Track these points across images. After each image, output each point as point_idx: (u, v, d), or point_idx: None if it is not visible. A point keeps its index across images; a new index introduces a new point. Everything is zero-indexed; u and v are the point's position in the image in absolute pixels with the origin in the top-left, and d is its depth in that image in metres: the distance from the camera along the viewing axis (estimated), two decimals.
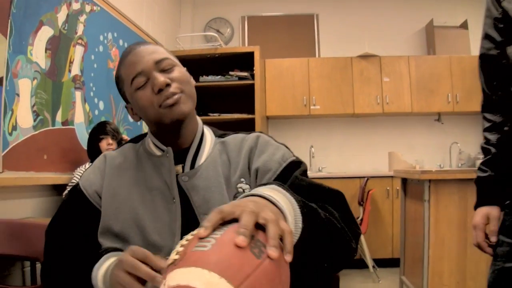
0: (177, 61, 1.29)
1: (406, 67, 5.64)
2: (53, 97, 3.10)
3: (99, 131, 3.28)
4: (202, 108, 5.73)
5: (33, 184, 2.81)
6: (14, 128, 2.69)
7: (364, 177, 5.05)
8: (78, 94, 3.45)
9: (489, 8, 1.61)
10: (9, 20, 2.63)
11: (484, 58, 1.66)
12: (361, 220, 4.72)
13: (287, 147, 1.33)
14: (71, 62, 3.33)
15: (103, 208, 1.24)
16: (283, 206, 0.84)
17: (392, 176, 5.13)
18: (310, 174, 5.61)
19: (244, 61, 5.43)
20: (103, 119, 3.78)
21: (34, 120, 2.89)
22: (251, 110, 5.30)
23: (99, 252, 1.12)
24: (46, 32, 3.00)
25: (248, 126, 5.32)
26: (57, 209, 1.29)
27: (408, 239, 3.60)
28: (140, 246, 1.06)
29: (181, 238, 0.78)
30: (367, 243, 4.88)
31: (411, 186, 3.48)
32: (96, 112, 3.74)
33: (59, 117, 3.18)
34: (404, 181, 3.65)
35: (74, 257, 1.17)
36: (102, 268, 1.06)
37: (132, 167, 1.30)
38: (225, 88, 5.61)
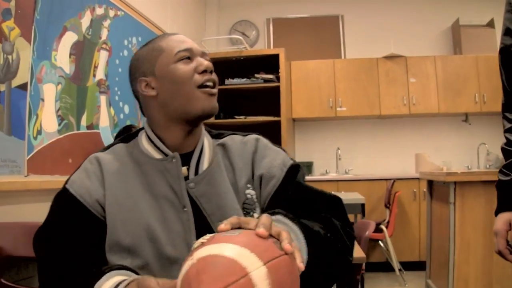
0: None
1: (433, 67, 5.54)
2: (77, 102, 3.14)
3: (124, 134, 3.31)
4: (228, 111, 5.75)
5: (58, 188, 2.85)
6: (39, 132, 2.73)
7: (390, 179, 4.99)
8: (103, 98, 3.49)
9: (510, 2, 1.55)
10: (33, 26, 2.67)
11: (505, 53, 1.58)
12: (388, 222, 4.66)
13: (284, 149, 1.35)
14: (95, 67, 3.37)
15: (108, 221, 1.15)
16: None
17: (419, 178, 5.05)
18: (336, 176, 5.60)
19: (270, 63, 5.42)
20: (128, 122, 3.81)
21: (59, 124, 2.93)
22: (277, 113, 5.29)
23: (100, 269, 1.03)
24: (70, 38, 3.04)
25: (273, 129, 5.30)
26: (48, 216, 1.19)
27: (434, 242, 3.54)
28: (153, 259, 1.09)
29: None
30: (394, 246, 4.81)
31: (437, 188, 3.42)
32: (122, 115, 3.77)
33: (84, 121, 3.21)
34: (430, 183, 3.59)
35: (73, 268, 1.08)
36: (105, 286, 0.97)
37: (132, 172, 1.21)
38: (251, 90, 5.62)
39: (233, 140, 1.32)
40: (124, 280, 0.95)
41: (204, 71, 1.21)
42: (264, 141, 1.34)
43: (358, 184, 5.24)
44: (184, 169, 1.21)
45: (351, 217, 4.02)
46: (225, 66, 5.76)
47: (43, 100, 2.76)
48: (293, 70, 5.83)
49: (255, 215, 1.21)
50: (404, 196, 5.14)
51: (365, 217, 5.13)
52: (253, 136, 1.34)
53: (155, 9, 4.57)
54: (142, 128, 1.32)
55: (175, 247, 1.13)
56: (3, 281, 1.84)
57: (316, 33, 6.25)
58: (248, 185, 1.24)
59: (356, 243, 2.11)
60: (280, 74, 5.32)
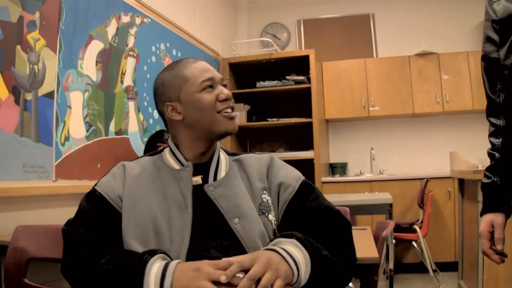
0: None
1: (466, 63, 5.40)
2: (105, 108, 3.22)
3: (156, 139, 3.36)
4: (260, 113, 5.78)
5: (86, 192, 2.93)
6: (67, 138, 2.82)
7: (423, 178, 4.91)
8: (131, 104, 3.57)
9: (487, 10, 1.56)
10: (58, 37, 2.76)
11: (486, 61, 1.61)
12: (421, 222, 4.59)
13: None
14: (123, 74, 3.45)
15: (123, 214, 1.31)
16: (297, 258, 1.13)
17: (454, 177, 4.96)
18: (370, 176, 5.54)
19: (300, 64, 5.42)
20: (158, 128, 3.88)
21: (87, 131, 3.02)
22: (309, 114, 5.28)
23: (135, 256, 1.18)
24: (96, 46, 3.13)
25: (306, 130, 5.29)
26: (77, 212, 1.35)
27: (465, 241, 3.47)
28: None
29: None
30: (429, 246, 4.73)
31: (467, 187, 3.35)
32: (151, 121, 3.85)
33: (112, 127, 3.30)
34: (461, 181, 3.52)
35: (101, 250, 1.23)
36: (152, 272, 1.10)
37: (151, 177, 1.38)
38: (282, 92, 5.62)
39: (248, 157, 1.48)
40: (170, 262, 1.12)
41: (225, 99, 1.37)
42: (278, 159, 1.49)
43: (392, 184, 5.16)
44: (198, 178, 1.36)
45: (381, 218, 3.99)
46: (256, 69, 5.79)
47: (70, 107, 2.85)
48: (325, 71, 5.80)
49: (270, 216, 1.35)
50: (438, 196, 5.03)
51: (399, 218, 5.08)
52: (268, 155, 1.49)
53: (184, 14, 4.64)
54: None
55: (172, 241, 1.26)
56: (26, 281, 1.91)
57: (347, 32, 6.20)
58: (264, 192, 1.38)
59: (373, 243, 2.09)
60: (310, 75, 5.31)
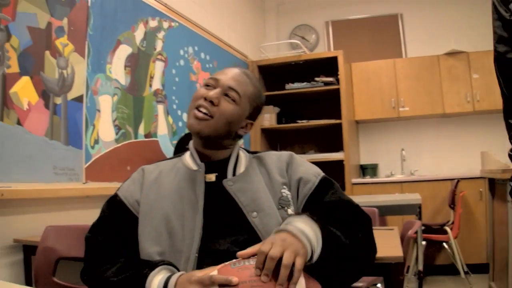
0: (244, 100, 1.42)
1: None
2: (134, 111, 3.27)
3: (185, 141, 3.40)
4: (289, 115, 5.78)
5: None
6: (96, 141, 2.88)
7: (454, 179, 4.82)
8: (160, 107, 3.61)
9: (496, 10, 1.52)
10: (86, 42, 2.83)
11: (500, 61, 1.57)
12: (452, 223, 4.51)
13: None
14: (151, 77, 3.50)
15: (140, 218, 1.35)
16: (308, 233, 1.13)
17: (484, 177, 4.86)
18: (401, 177, 5.47)
19: (329, 66, 5.39)
20: (187, 130, 3.92)
21: (116, 134, 3.07)
22: (339, 115, 5.25)
23: (144, 261, 1.24)
24: (124, 51, 3.19)
25: (335, 132, 5.26)
26: (98, 217, 1.41)
27: (496, 243, 3.38)
28: (168, 249, 1.28)
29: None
30: (460, 248, 4.63)
31: (497, 187, 3.27)
32: (180, 123, 3.89)
33: (141, 130, 3.35)
34: (492, 181, 3.44)
35: (114, 259, 1.29)
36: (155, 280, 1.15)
37: (168, 179, 1.41)
38: (312, 94, 5.61)
39: (268, 154, 1.49)
40: (174, 274, 1.16)
41: (204, 98, 1.36)
42: (297, 156, 1.49)
43: (422, 185, 5.08)
44: (212, 175, 1.39)
45: (410, 218, 3.93)
46: (285, 71, 5.79)
47: (99, 111, 2.91)
48: (354, 72, 5.75)
49: (289, 210, 1.35)
50: (469, 196, 4.91)
51: (430, 219, 5.00)
52: (288, 152, 1.50)
53: (211, 18, 4.68)
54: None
55: (184, 241, 1.28)
56: (55, 279, 1.96)
57: (376, 33, 6.13)
58: (284, 186, 1.39)
59: (398, 242, 2.07)
60: (339, 76, 5.27)
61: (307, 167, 1.44)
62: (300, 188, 1.38)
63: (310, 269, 1.12)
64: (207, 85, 1.40)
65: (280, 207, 1.34)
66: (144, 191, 1.39)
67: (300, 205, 1.37)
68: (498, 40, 1.56)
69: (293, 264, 1.04)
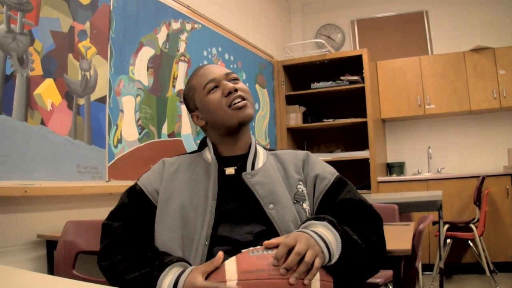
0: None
1: None
2: (157, 112, 3.35)
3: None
4: (315, 114, 5.80)
5: None
6: (119, 141, 2.97)
7: (479, 176, 4.75)
8: (184, 108, 3.68)
9: None
10: (109, 44, 2.92)
11: None
12: (478, 221, 4.45)
13: None
14: (174, 78, 3.58)
15: (158, 206, 1.41)
16: (328, 240, 1.19)
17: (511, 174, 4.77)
18: (427, 175, 5.42)
19: (354, 65, 5.38)
20: None
21: (139, 133, 3.16)
22: (364, 114, 5.24)
23: (162, 260, 1.26)
24: (147, 52, 3.27)
25: (362, 130, 5.26)
26: (117, 204, 1.47)
27: None
28: (182, 236, 1.35)
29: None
30: (486, 246, 4.57)
31: None
32: None
33: (165, 130, 3.43)
34: None
35: (130, 243, 1.35)
36: (167, 279, 1.20)
37: (187, 171, 1.48)
38: (337, 93, 5.61)
39: (285, 151, 1.57)
40: (184, 270, 1.20)
41: (229, 93, 1.45)
42: (313, 155, 1.56)
43: (448, 183, 5.03)
44: (232, 169, 1.46)
45: (434, 215, 3.90)
46: (310, 71, 5.81)
47: (122, 111, 3.00)
48: (380, 70, 5.72)
49: (304, 205, 1.41)
50: (496, 194, 4.82)
51: (455, 216, 4.95)
52: (304, 151, 1.56)
53: (236, 19, 4.74)
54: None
55: (195, 229, 1.35)
56: (74, 272, 2.04)
57: (402, 31, 6.08)
58: (300, 182, 1.45)
59: (410, 237, 2.08)
60: (364, 74, 5.27)
61: (323, 165, 1.51)
62: (316, 185, 1.44)
63: (329, 269, 1.18)
64: (214, 88, 1.48)
65: (295, 201, 1.40)
66: (163, 181, 1.45)
67: (316, 200, 1.43)
68: None
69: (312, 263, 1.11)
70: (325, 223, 1.24)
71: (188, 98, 1.56)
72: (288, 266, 1.08)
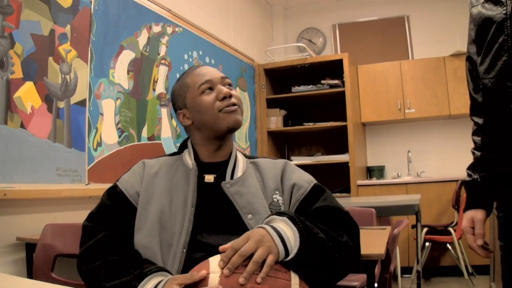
0: None
1: None
2: (138, 115, 3.36)
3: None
4: (296, 118, 5.85)
5: None
6: (99, 144, 2.97)
7: (458, 180, 4.83)
8: (164, 111, 3.70)
9: (471, 13, 1.59)
10: (89, 47, 2.92)
11: (470, 62, 1.67)
12: (456, 224, 4.53)
13: None
14: (155, 81, 3.59)
15: (138, 209, 1.41)
16: (285, 235, 1.19)
17: None
18: (406, 179, 5.49)
19: (336, 69, 5.44)
20: None
21: (119, 136, 3.16)
22: (345, 118, 5.29)
23: (141, 270, 1.25)
24: (127, 56, 3.28)
25: (342, 134, 5.31)
26: (98, 205, 1.45)
27: (497, 244, 3.41)
28: (159, 241, 1.35)
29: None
30: (465, 249, 4.65)
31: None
32: None
33: (145, 133, 3.44)
34: None
35: (111, 248, 1.34)
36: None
37: (167, 174, 1.48)
38: (318, 97, 5.66)
39: (264, 160, 1.57)
40: (162, 281, 1.19)
41: (224, 98, 1.46)
42: (292, 164, 1.57)
43: (427, 187, 5.10)
44: (211, 176, 1.47)
45: (412, 219, 3.97)
46: (291, 74, 5.86)
47: (102, 114, 3.01)
48: (360, 74, 5.78)
49: None
50: None
51: (435, 220, 5.02)
52: (283, 160, 1.58)
53: (217, 23, 4.76)
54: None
55: (173, 236, 1.35)
56: (53, 275, 2.05)
57: (383, 35, 6.15)
58: (276, 192, 1.46)
59: (385, 241, 2.12)
60: (344, 78, 5.33)
61: (300, 174, 1.52)
62: (293, 193, 1.45)
63: (289, 265, 1.18)
64: (208, 89, 1.48)
65: (271, 212, 1.40)
66: (144, 184, 1.44)
67: (292, 209, 1.44)
68: (470, 41, 1.64)
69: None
70: (285, 218, 1.23)
71: (178, 95, 1.54)
72: (231, 266, 1.10)
